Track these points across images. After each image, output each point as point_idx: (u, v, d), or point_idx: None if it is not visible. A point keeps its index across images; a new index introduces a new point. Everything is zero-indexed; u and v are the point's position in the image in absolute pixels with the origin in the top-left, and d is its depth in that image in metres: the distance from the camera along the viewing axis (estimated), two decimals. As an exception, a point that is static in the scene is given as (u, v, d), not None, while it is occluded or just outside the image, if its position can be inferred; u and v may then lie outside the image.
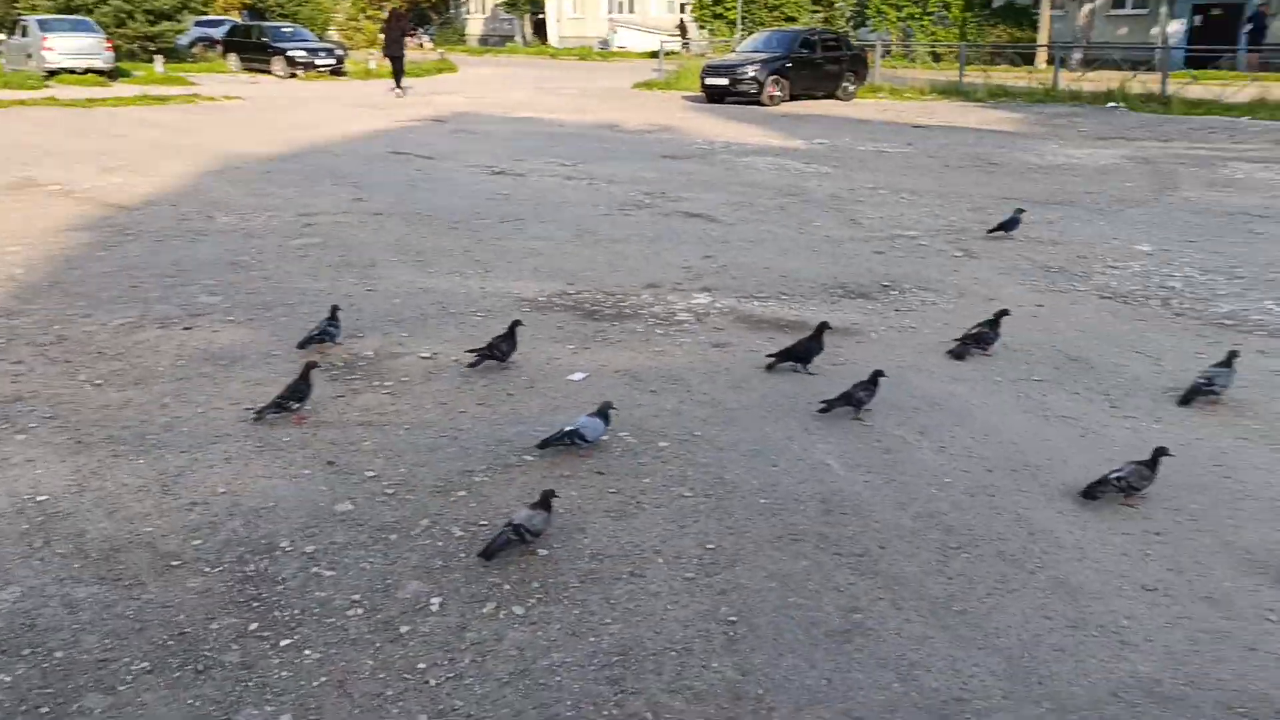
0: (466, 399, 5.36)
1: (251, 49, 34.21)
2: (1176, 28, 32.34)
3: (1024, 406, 5.36)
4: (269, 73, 32.54)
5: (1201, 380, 5.39)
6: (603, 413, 4.74)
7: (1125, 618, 3.45)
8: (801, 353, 5.75)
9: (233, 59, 34.77)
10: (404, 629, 3.38)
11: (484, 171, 13.13)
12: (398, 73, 25.40)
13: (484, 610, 3.48)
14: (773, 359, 5.80)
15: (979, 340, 6.12)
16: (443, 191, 11.59)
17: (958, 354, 6.09)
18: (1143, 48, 30.04)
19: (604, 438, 4.73)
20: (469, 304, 7.08)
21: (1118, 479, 4.25)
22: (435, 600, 3.54)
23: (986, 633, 3.37)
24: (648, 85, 28.83)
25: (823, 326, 5.83)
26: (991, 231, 9.40)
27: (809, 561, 3.80)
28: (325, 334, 6.10)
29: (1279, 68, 23.18)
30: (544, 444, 4.68)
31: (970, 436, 4.95)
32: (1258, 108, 20.34)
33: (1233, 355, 5.47)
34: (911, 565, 3.78)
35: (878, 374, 5.16)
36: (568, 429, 4.67)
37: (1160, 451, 4.32)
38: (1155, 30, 32.48)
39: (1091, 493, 4.28)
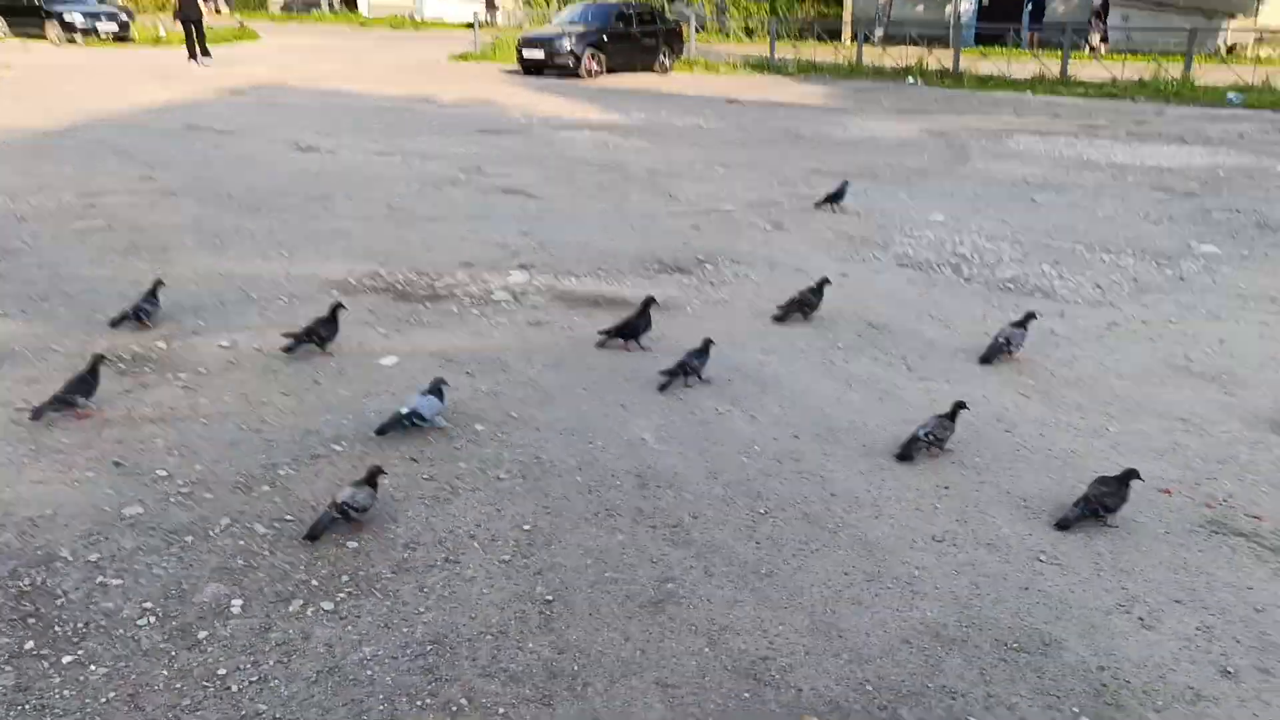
0: (270, 389, 5.12)
1: (21, 12, 31.08)
2: (967, 6, 34.35)
3: (829, 373, 5.60)
4: (43, 38, 29.79)
5: (1000, 339, 5.81)
6: (436, 389, 4.70)
7: (916, 568, 3.68)
8: (630, 329, 5.81)
9: (-1, 23, 31.61)
10: (202, 635, 3.21)
11: (289, 147, 12.52)
12: (196, 39, 23.64)
13: (290, 609, 3.35)
14: (603, 337, 5.83)
15: (803, 305, 6.42)
16: (244, 169, 10.98)
17: (781, 318, 6.40)
18: (938, 25, 31.77)
19: (440, 417, 4.68)
20: (272, 289, 6.76)
21: (926, 434, 4.55)
22: (236, 602, 3.38)
23: (791, 592, 3.52)
24: (464, 57, 28.21)
25: (649, 302, 5.91)
26: (820, 204, 9.78)
27: (624, 536, 3.85)
28: (141, 311, 5.72)
29: (1057, 45, 25.06)
30: (381, 429, 4.59)
31: (779, 405, 5.14)
32: (1037, 83, 21.92)
33: (1029, 316, 5.92)
34: (723, 532, 3.90)
35: (708, 342, 5.35)
36: (404, 410, 4.60)
37: (959, 405, 4.66)
38: (949, 9, 34.40)
39: (906, 453, 4.55)
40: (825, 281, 6.55)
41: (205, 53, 23.71)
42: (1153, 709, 2.96)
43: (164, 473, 4.21)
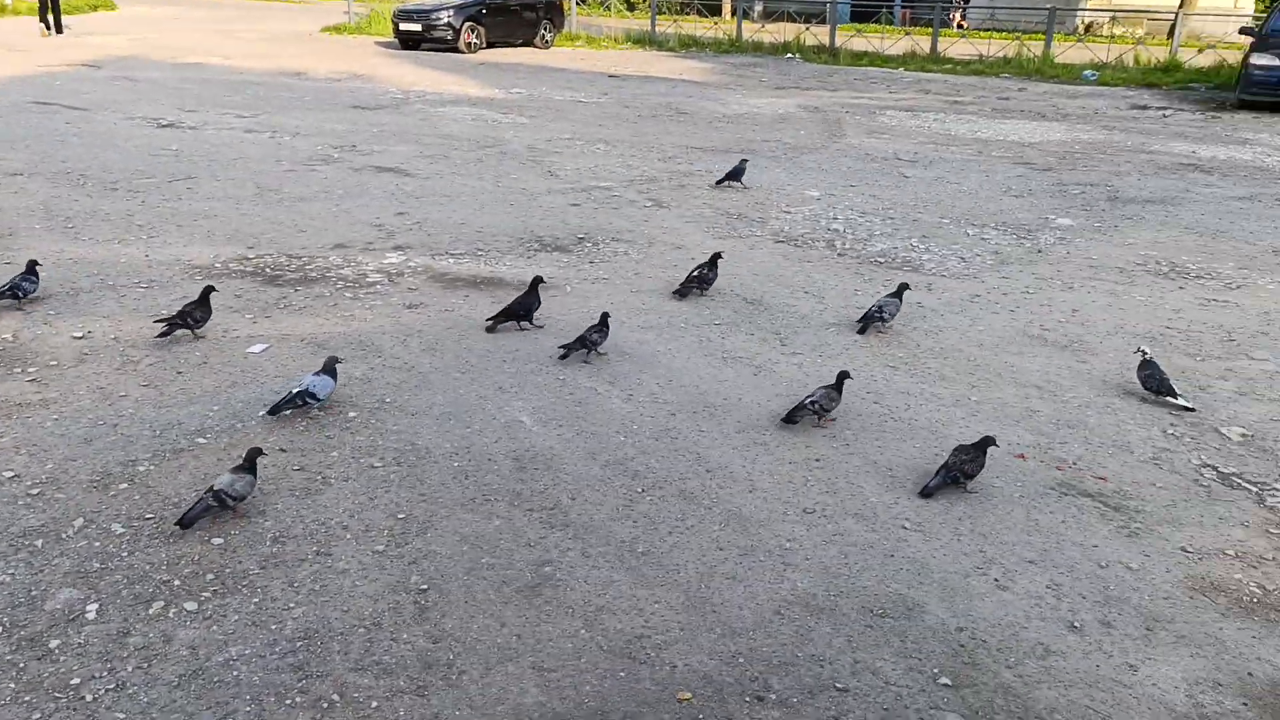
0: (128, 381, 4.89)
1: None
2: (843, -17, 35.03)
3: (705, 350, 5.67)
4: None
5: (874, 309, 5.99)
6: (330, 369, 4.63)
7: (788, 540, 3.78)
8: (520, 310, 5.77)
9: None
10: (54, 643, 3.06)
11: (149, 124, 11.91)
12: (50, 8, 22.01)
13: (150, 611, 3.22)
14: (492, 321, 5.77)
15: (700, 282, 6.54)
16: (99, 148, 10.39)
17: (681, 294, 6.52)
18: (815, 2, 32.29)
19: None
20: (131, 275, 6.44)
21: (812, 403, 4.69)
22: (92, 607, 3.23)
23: (667, 569, 3.57)
24: (337, 29, 27.28)
25: (536, 281, 5.89)
26: (720, 182, 9.85)
27: (501, 520, 3.83)
28: (17, 289, 5.44)
29: (928, 22, 25.83)
30: (274, 410, 4.52)
31: (656, 382, 5.19)
32: (909, 60, 22.57)
33: (903, 287, 6.16)
34: (600, 513, 3.92)
35: (606, 316, 5.44)
36: (296, 390, 4.53)
37: (843, 375, 4.82)
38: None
39: (792, 418, 4.70)
40: (718, 255, 6.69)
41: (58, 25, 22.16)
42: (1006, 666, 3.13)
43: (10, 473, 3.98)
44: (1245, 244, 8.11)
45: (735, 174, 9.81)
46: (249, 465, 3.77)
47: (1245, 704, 2.96)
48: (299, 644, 3.11)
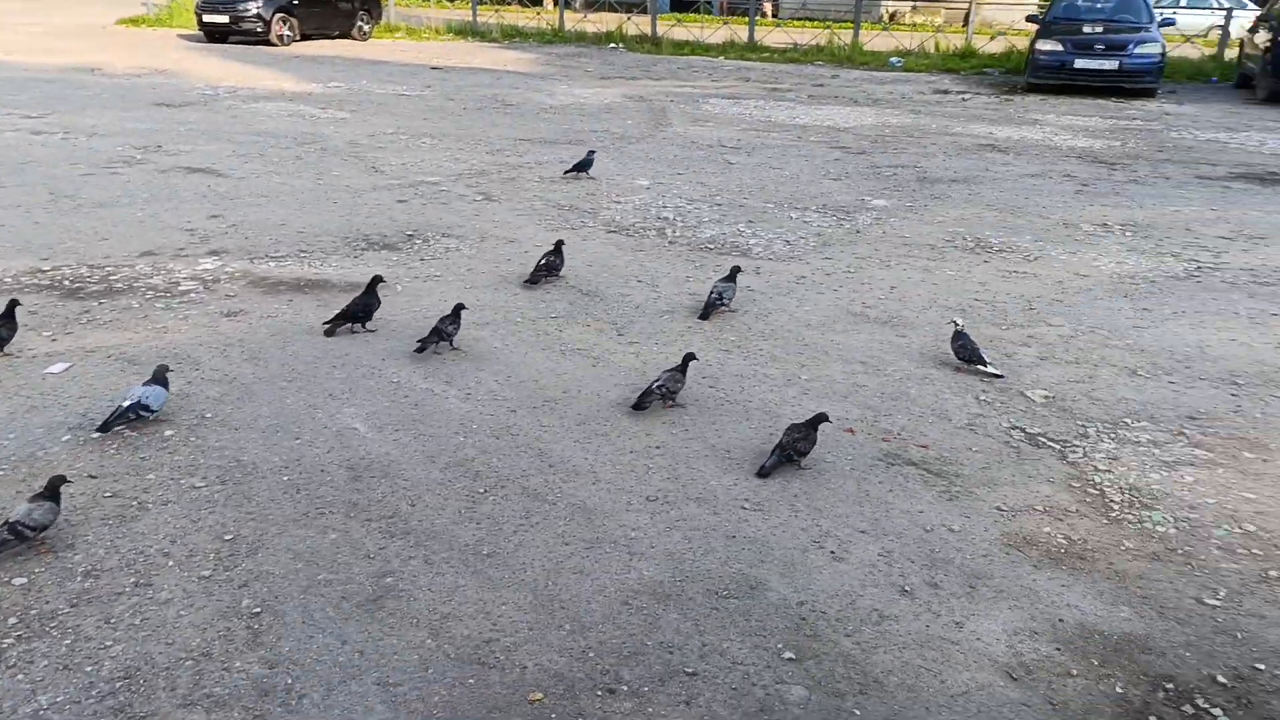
0: (-95, 413, 4.43)
1: None
2: (662, -27, 35.50)
3: (543, 343, 5.64)
4: None
5: (714, 295, 6.11)
6: (160, 378, 4.42)
7: (633, 530, 3.81)
8: (360, 311, 5.58)
9: None
10: None
11: (-82, 126, 10.82)
12: None
13: (-56, 666, 2.93)
14: (330, 324, 5.55)
15: (549, 270, 6.60)
16: None
17: (533, 283, 6.55)
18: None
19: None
20: (-97, 294, 5.83)
21: (659, 387, 4.75)
22: (-127, 669, 2.91)
23: (514, 569, 3.53)
24: (134, 22, 25.57)
25: (375, 280, 5.73)
26: (568, 173, 9.81)
27: (338, 534, 3.69)
28: None
29: (745, 11, 26.53)
30: (104, 426, 4.26)
31: (494, 379, 5.12)
32: (728, 48, 23.13)
33: (736, 270, 6.35)
34: (442, 517, 3.83)
35: (459, 307, 5.41)
36: (127, 404, 4.29)
37: (689, 357, 4.90)
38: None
39: (640, 404, 4.74)
40: (561, 243, 6.78)
41: None
42: (844, 634, 3.25)
43: None
44: (1039, 218, 8.73)
45: (583, 165, 9.81)
46: (51, 493, 3.49)
47: (1058, 649, 3.19)
48: (119, 684, 2.90)
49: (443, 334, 5.32)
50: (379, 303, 5.67)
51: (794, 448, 4.25)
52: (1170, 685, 3.05)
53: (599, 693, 2.95)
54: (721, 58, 22.16)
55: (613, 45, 23.89)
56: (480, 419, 4.67)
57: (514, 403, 4.86)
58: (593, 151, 10.09)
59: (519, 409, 4.80)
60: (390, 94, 15.31)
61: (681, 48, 23.34)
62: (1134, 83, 16.62)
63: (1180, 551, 3.74)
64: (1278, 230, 8.41)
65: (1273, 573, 3.61)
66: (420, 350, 5.30)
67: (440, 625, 3.21)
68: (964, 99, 16.57)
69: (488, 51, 22.47)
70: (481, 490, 4.04)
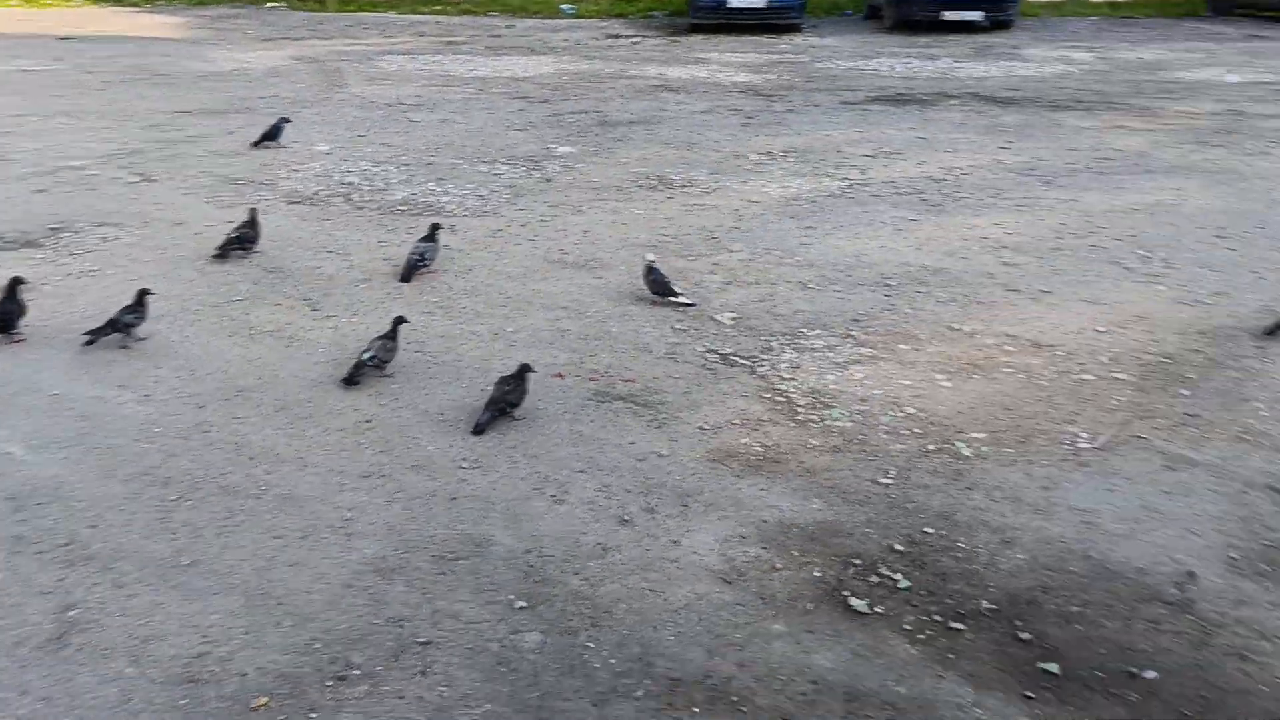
0: None
1: None
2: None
3: (229, 330, 5.26)
4: None
5: (415, 256, 5.94)
6: None
7: (349, 510, 3.67)
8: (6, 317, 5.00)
9: None
10: None
11: None
12: None
13: None
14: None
15: (242, 242, 6.21)
16: None
17: (221, 256, 6.17)
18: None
19: None
20: None
21: (370, 358, 4.58)
22: None
23: (221, 575, 3.30)
24: None
25: (15, 282, 5.07)
26: (256, 144, 9.09)
27: (3, 574, 3.27)
28: None
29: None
30: None
31: (176, 376, 4.71)
32: (400, 3, 22.32)
33: (435, 228, 6.20)
34: (130, 534, 3.50)
35: (143, 293, 5.01)
36: None
37: (399, 320, 4.76)
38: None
39: (352, 379, 4.57)
40: (255, 211, 6.44)
41: None
42: (572, 573, 3.33)
43: None
44: (713, 152, 9.21)
45: (272, 134, 9.16)
46: None
47: (764, 548, 3.46)
48: None
49: (118, 324, 4.84)
50: (23, 308, 5.02)
51: (505, 400, 4.26)
52: (858, 560, 3.40)
53: (329, 682, 2.84)
54: (393, 13, 21.36)
55: (272, 4, 22.31)
56: (164, 421, 4.29)
57: (202, 398, 4.51)
58: (285, 119, 9.41)
59: (208, 404, 4.46)
60: (11, 70, 13.45)
61: (349, 4, 22.21)
62: (781, 18, 17.92)
63: (856, 441, 4.16)
64: (909, 145, 9.42)
65: (930, 447, 4.11)
66: (90, 343, 4.82)
67: (141, 650, 2.94)
68: (635, 43, 17.08)
69: (126, 17, 20.26)
70: (174, 497, 3.73)
